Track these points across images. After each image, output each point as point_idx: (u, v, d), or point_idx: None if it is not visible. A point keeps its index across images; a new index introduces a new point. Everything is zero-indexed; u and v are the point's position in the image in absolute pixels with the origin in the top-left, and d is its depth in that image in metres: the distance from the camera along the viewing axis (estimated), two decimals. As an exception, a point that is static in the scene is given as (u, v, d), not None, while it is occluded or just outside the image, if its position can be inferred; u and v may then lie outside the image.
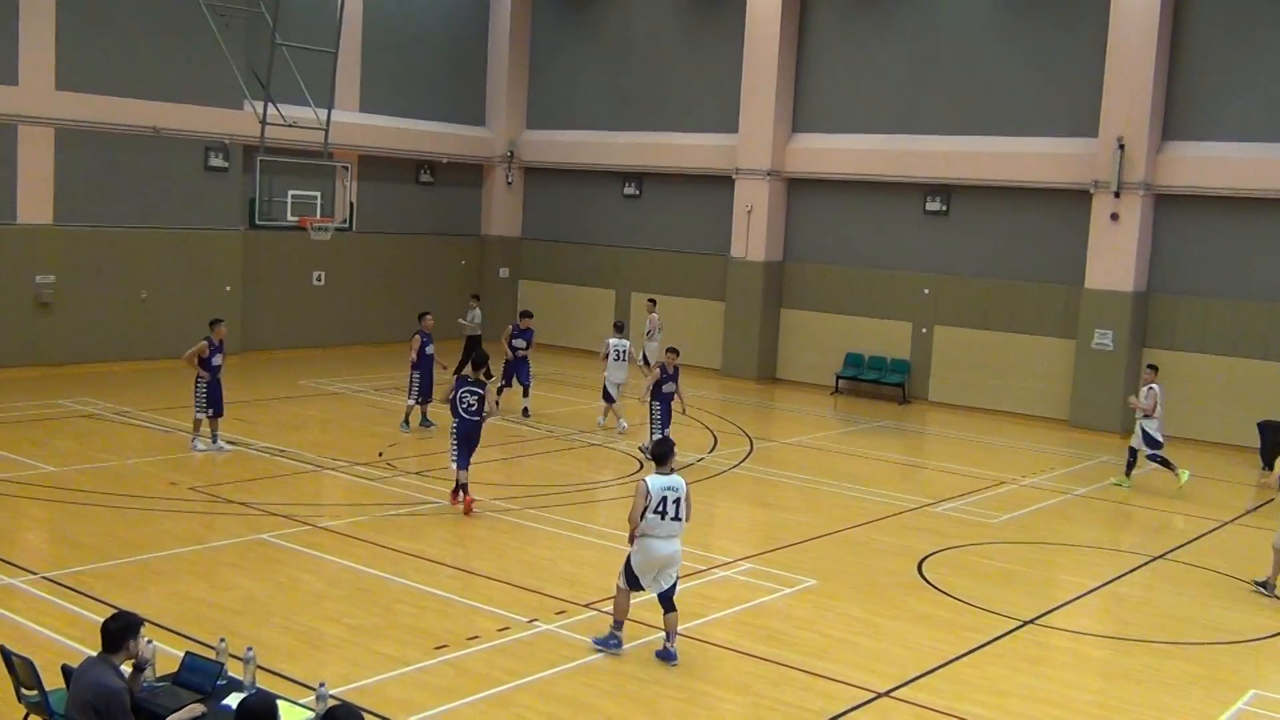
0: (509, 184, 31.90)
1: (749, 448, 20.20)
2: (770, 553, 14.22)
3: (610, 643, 10.67)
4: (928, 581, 13.40)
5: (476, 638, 10.79)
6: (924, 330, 25.90)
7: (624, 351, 21.09)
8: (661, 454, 10.75)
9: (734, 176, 27.66)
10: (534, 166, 31.85)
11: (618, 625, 10.74)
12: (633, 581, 10.60)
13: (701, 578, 13.04)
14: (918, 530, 15.64)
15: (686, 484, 10.73)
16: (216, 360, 17.62)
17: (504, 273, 32.06)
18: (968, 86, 25.08)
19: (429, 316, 20.38)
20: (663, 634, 10.67)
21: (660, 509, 10.41)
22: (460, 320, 24.98)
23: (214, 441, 17.65)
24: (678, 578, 10.71)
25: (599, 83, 30.53)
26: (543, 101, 31.64)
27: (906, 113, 25.87)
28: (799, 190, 27.60)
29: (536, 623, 11.27)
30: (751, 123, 27.26)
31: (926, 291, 25.82)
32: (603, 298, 30.36)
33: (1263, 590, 13.62)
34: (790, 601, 12.41)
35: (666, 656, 10.55)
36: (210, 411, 17.58)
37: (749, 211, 27.41)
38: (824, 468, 19.24)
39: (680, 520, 10.55)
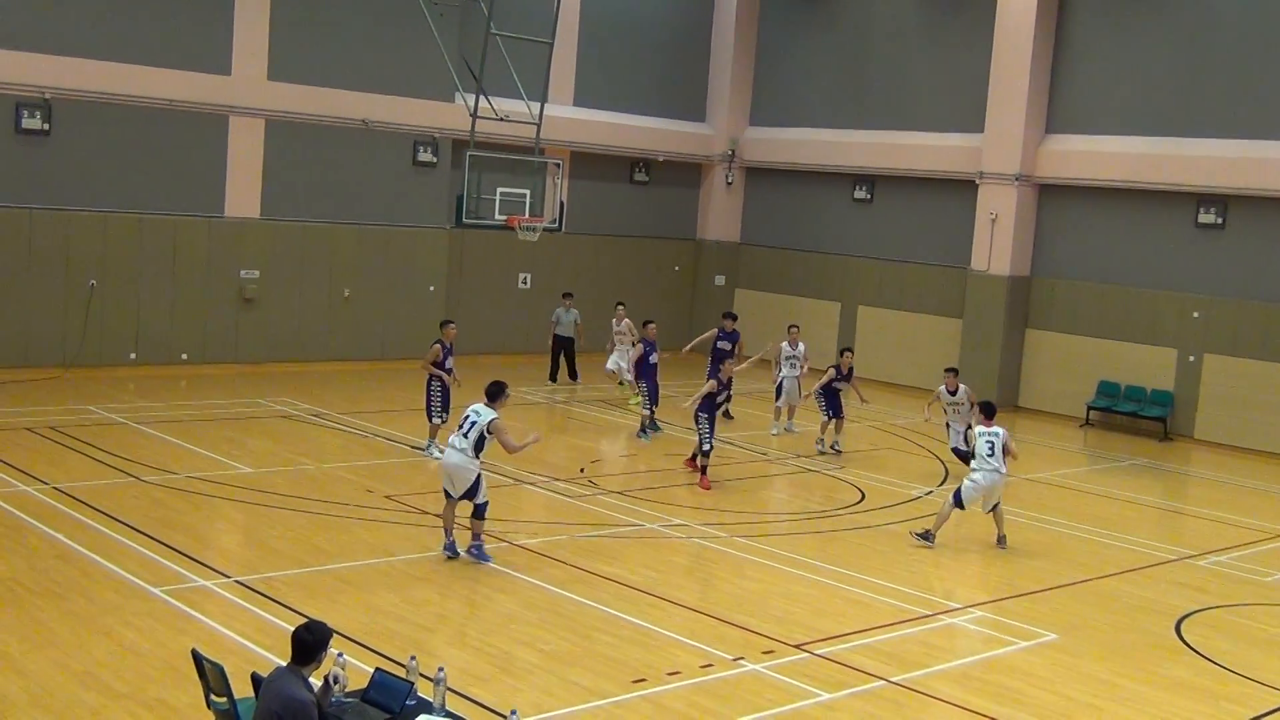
0: (729, 185, 32.05)
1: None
2: (1005, 600, 13.87)
3: None
4: (1186, 644, 12.84)
5: (677, 673, 10.85)
6: (1191, 359, 24.83)
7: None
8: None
9: (977, 181, 27.11)
10: (756, 166, 31.91)
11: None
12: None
13: (926, 624, 12.81)
14: (1176, 585, 15.02)
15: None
16: (449, 363, 18.43)
17: (720, 280, 32.21)
18: (1250, 83, 23.94)
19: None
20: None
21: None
22: (551, 320, 25.83)
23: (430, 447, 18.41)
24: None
25: (829, 77, 30.38)
26: (768, 97, 31.69)
27: (1178, 112, 24.87)
28: (1051, 197, 26.85)
29: (742, 661, 11.26)
30: (999, 122, 26.67)
31: (1196, 315, 24.75)
32: (826, 310, 30.17)
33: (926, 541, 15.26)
34: (1026, 657, 12.07)
35: None
36: (444, 416, 18.22)
37: (993, 220, 26.83)
38: (1069, 509, 18.66)
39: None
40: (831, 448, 20.88)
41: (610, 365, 24.25)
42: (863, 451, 21.54)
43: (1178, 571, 15.65)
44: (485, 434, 13.33)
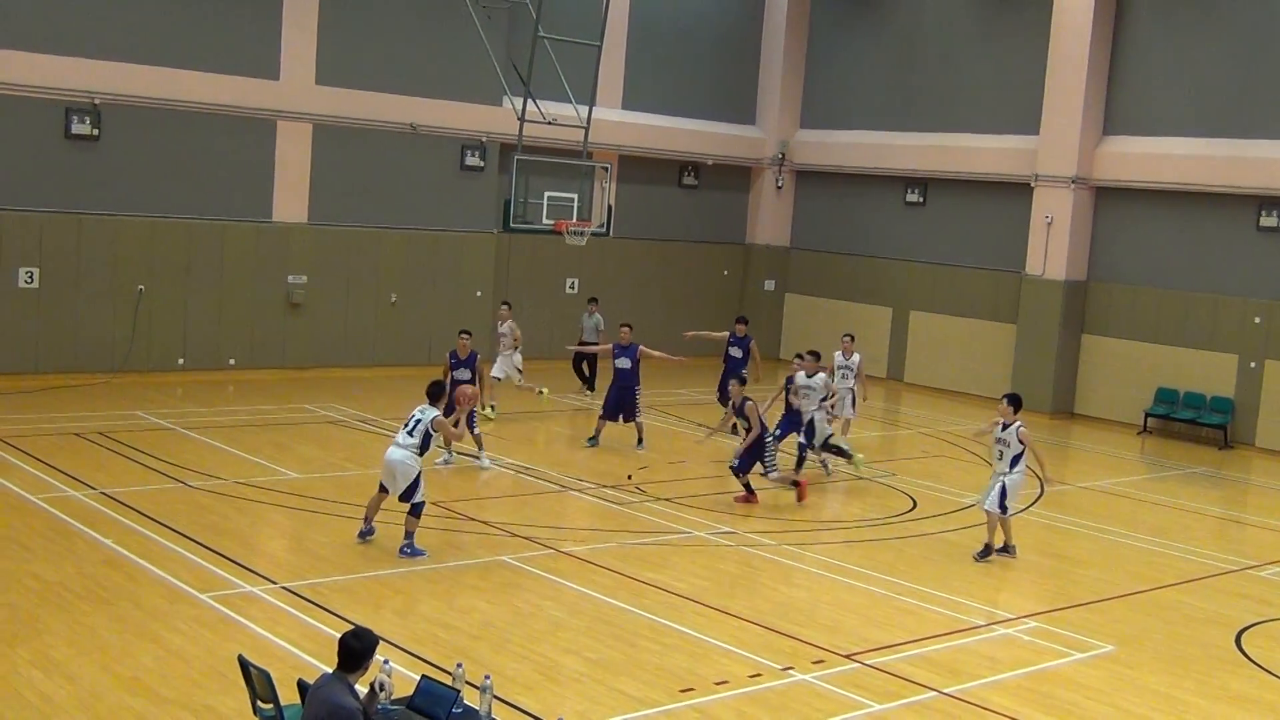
0: (779, 188, 31.98)
1: (1039, 491, 19.58)
2: (1061, 611, 13.74)
3: None
4: (1247, 656, 12.68)
5: (725, 683, 10.83)
6: (1253, 365, 24.51)
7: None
8: None
9: (1032, 184, 26.91)
10: (807, 170, 31.83)
11: None
12: None
13: (980, 634, 12.72)
14: (1237, 596, 14.83)
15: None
16: (458, 374, 18.31)
17: (769, 285, 32.14)
18: (1316, 83, 23.66)
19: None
20: None
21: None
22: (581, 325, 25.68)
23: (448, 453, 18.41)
24: None
25: (881, 78, 30.27)
26: (819, 99, 31.60)
27: (1237, 113, 24.57)
28: (1108, 200, 26.60)
29: (791, 671, 11.22)
30: (1055, 123, 26.46)
31: (1258, 320, 24.43)
32: (879, 316, 30.04)
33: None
34: (1083, 669, 11.95)
35: None
36: (474, 426, 18.19)
37: (1049, 223, 26.61)
38: (1127, 518, 18.47)
39: None
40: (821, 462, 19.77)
41: (496, 372, 22.18)
42: (915, 459, 21.42)
43: (1238, 582, 15.45)
44: (430, 431, 13.86)
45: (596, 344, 24.64)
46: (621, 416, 20.31)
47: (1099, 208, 26.73)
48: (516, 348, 22.36)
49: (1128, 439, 25.20)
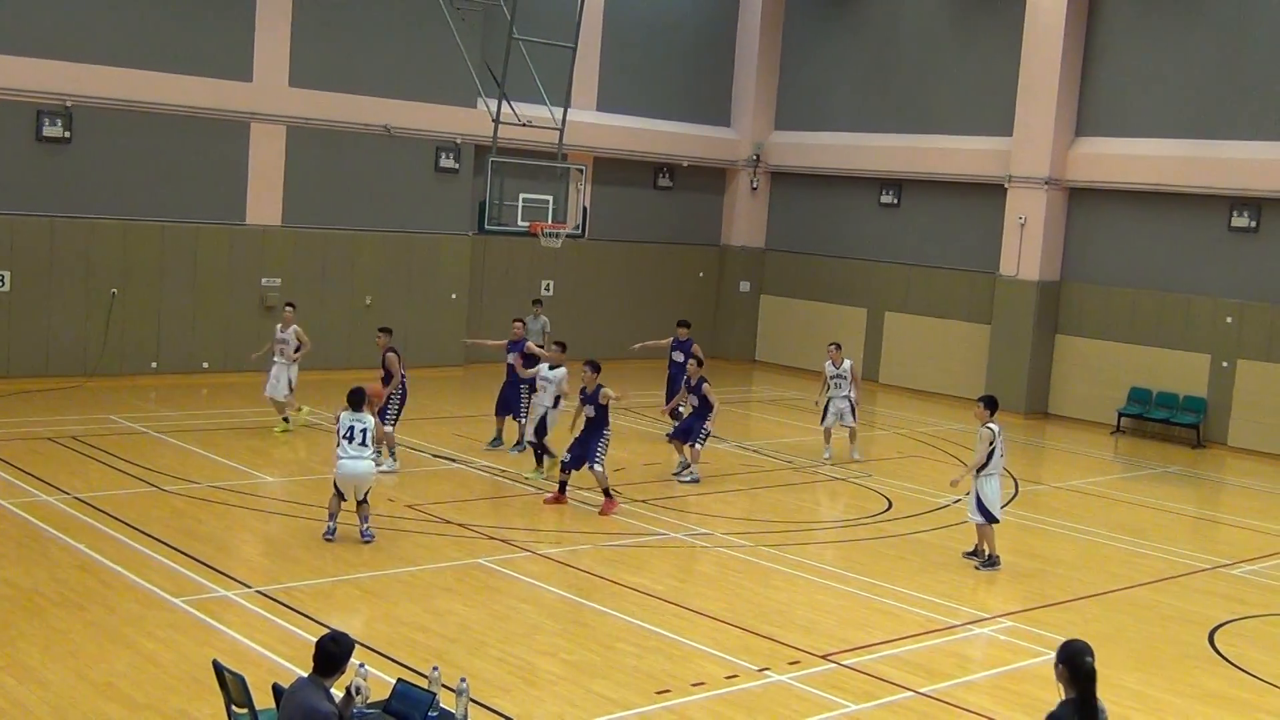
0: (753, 189, 32.04)
1: (1014, 491, 19.68)
2: (1036, 610, 13.80)
3: None
4: (1220, 654, 12.76)
5: (702, 684, 10.85)
6: (1225, 364, 24.68)
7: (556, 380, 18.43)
8: None
9: (1006, 185, 27.03)
10: (781, 171, 31.90)
11: None
12: None
13: (955, 634, 12.77)
14: (1210, 595, 14.92)
15: None
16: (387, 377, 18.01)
17: (745, 286, 32.20)
18: (1286, 85, 23.85)
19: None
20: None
21: None
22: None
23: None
24: None
25: (855, 79, 30.36)
26: (793, 100, 31.68)
27: (1210, 114, 24.75)
28: (1081, 201, 26.75)
29: (768, 672, 11.25)
30: (1028, 125, 26.60)
31: (1230, 320, 24.60)
32: (854, 317, 30.12)
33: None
34: (1056, 667, 11.99)
35: None
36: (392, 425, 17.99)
37: (1022, 224, 26.74)
38: (1101, 517, 18.57)
39: None
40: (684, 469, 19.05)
41: (268, 391, 20.16)
42: (890, 460, 21.50)
43: (1211, 581, 15.55)
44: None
45: (541, 346, 24.19)
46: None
47: (1072, 208, 26.87)
48: (296, 360, 20.03)
49: (1101, 438, 25.33)
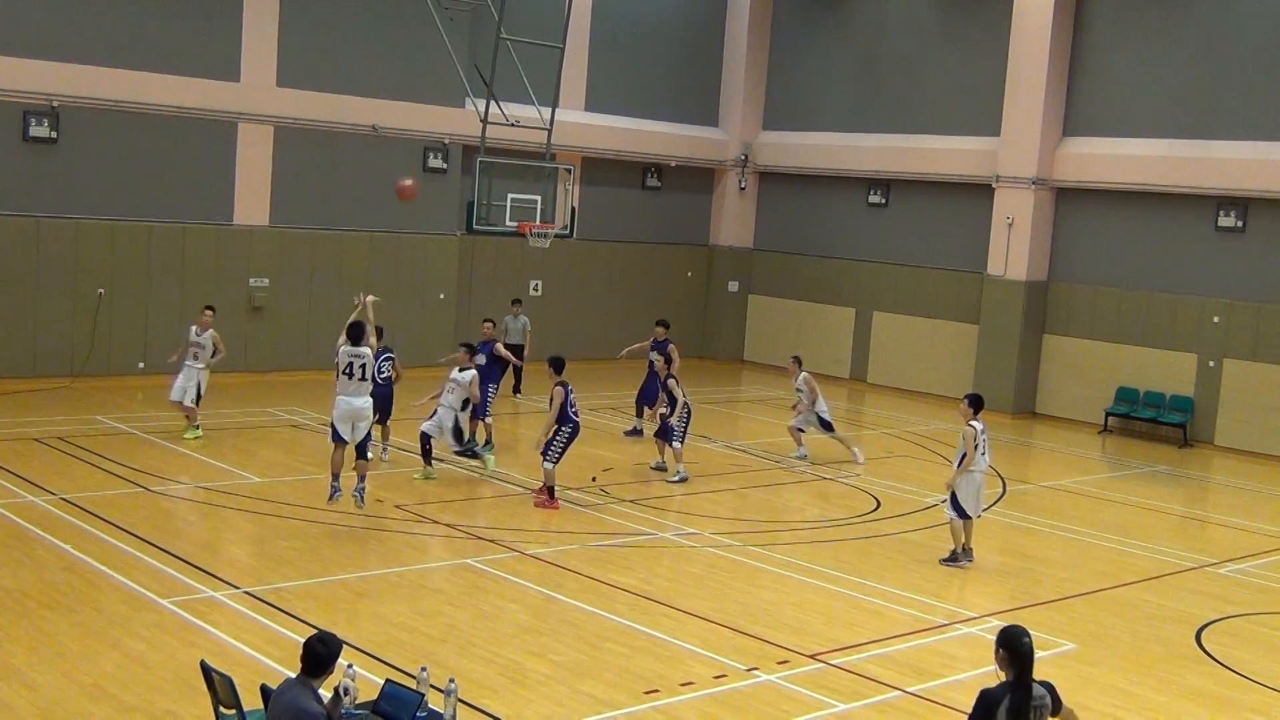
0: (742, 190, 32.06)
1: (1002, 490, 19.72)
2: (1023, 609, 13.82)
3: None
4: (1207, 653, 12.80)
5: (691, 684, 10.86)
6: (1212, 364, 24.76)
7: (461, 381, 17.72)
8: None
9: (994, 185, 27.09)
10: (770, 171, 31.93)
11: None
12: None
13: (943, 633, 12.79)
14: (1197, 594, 14.97)
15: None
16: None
17: (734, 286, 32.22)
18: (1271, 84, 23.89)
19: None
20: None
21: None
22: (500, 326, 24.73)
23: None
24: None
25: (843, 80, 30.40)
26: (782, 100, 31.70)
27: (1197, 114, 24.83)
28: (1068, 201, 26.81)
29: (756, 672, 11.26)
30: (1016, 125, 26.65)
31: (1217, 320, 24.68)
32: (842, 316, 30.16)
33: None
34: (1045, 667, 11.94)
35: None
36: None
37: (1010, 224, 26.80)
38: (1088, 517, 18.61)
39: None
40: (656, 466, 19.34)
41: (174, 397, 19.13)
42: (878, 459, 21.52)
43: (1198, 580, 15.60)
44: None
45: (522, 345, 24.20)
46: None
47: (1059, 208, 26.94)
48: (209, 366, 19.13)
49: (1089, 438, 25.39)
